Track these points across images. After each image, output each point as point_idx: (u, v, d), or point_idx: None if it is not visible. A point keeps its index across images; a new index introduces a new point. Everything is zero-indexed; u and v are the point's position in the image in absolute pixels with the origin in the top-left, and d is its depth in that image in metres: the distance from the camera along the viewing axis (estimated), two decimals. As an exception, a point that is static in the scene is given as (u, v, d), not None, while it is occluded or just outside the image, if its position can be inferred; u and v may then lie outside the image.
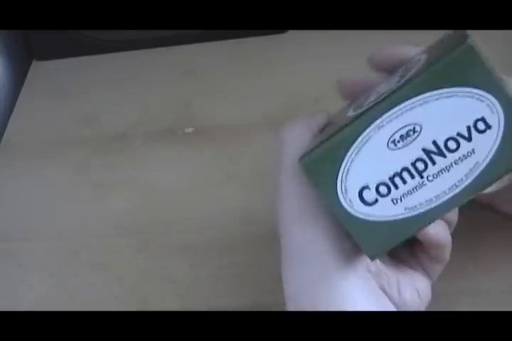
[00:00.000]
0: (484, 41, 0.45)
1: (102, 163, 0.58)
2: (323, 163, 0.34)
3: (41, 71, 0.70)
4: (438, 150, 0.33)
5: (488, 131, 0.32)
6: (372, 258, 0.35)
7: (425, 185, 0.34)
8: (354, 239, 0.35)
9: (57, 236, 0.53)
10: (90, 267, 0.50)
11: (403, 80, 0.33)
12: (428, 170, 0.33)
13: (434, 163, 0.33)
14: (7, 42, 0.70)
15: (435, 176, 0.33)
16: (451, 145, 0.33)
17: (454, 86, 0.32)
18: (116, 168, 0.57)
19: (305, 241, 0.36)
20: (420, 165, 0.33)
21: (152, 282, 0.49)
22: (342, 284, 0.35)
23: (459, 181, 0.33)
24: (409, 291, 0.38)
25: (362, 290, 0.36)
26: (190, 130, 0.59)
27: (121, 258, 0.50)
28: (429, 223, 0.35)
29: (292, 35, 0.64)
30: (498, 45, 0.47)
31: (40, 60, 0.71)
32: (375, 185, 0.34)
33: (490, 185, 0.34)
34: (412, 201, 0.34)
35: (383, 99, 0.33)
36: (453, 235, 0.48)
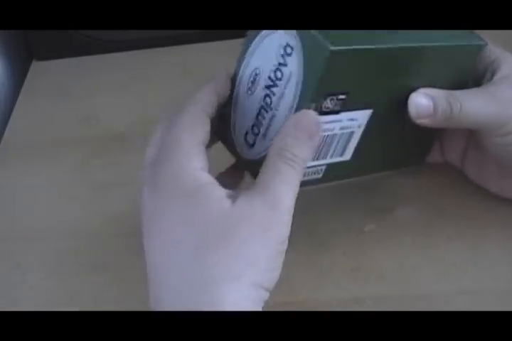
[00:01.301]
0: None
1: (102, 163, 0.58)
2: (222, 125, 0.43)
3: (41, 71, 0.70)
4: (273, 83, 0.40)
5: (293, 53, 0.38)
6: None
7: (275, 115, 0.40)
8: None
9: (57, 236, 0.53)
10: (90, 267, 0.50)
11: None
12: (273, 101, 0.40)
13: (274, 94, 0.40)
14: (7, 42, 0.70)
15: (278, 104, 0.40)
16: (278, 74, 0.39)
17: None
18: (116, 168, 0.57)
19: None
20: (268, 100, 0.40)
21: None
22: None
23: (292, 101, 0.39)
24: None
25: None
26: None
27: (121, 258, 0.50)
28: None
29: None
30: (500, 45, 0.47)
31: (40, 60, 0.71)
32: (251, 128, 0.41)
33: (313, 96, 0.38)
34: (272, 132, 0.40)
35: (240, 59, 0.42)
36: (453, 235, 0.48)
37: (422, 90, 0.41)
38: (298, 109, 0.38)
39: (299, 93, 0.38)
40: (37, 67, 0.70)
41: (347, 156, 0.43)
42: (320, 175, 0.43)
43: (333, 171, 0.43)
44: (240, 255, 0.36)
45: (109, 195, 0.55)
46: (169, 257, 0.37)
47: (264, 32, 0.40)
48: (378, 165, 0.47)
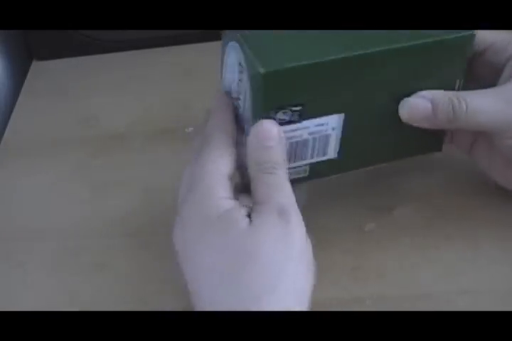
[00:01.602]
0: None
1: (102, 162, 0.58)
2: None
3: (41, 71, 0.70)
4: (238, 97, 0.41)
5: (243, 71, 0.39)
6: None
7: (244, 125, 0.41)
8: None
9: (57, 236, 0.53)
10: (90, 267, 0.50)
11: None
12: (241, 113, 0.41)
13: (240, 106, 0.41)
14: (7, 42, 0.70)
15: (243, 116, 0.41)
16: (239, 89, 0.41)
17: (231, 41, 0.41)
18: (116, 168, 0.57)
19: None
20: (239, 112, 0.42)
21: (152, 282, 0.49)
22: None
23: (250, 114, 0.40)
24: None
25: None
26: (190, 130, 0.59)
27: (121, 258, 0.50)
28: None
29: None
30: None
31: (40, 60, 0.71)
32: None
33: (262, 111, 0.39)
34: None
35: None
36: (453, 235, 0.48)
37: (420, 93, 0.41)
38: (254, 122, 0.40)
39: (251, 108, 0.40)
40: (37, 67, 0.70)
41: (331, 155, 0.43)
42: (306, 174, 0.44)
43: (321, 168, 0.44)
44: (269, 268, 0.37)
45: (109, 195, 0.55)
46: (201, 283, 0.38)
47: (227, 46, 0.41)
48: (383, 157, 0.46)
